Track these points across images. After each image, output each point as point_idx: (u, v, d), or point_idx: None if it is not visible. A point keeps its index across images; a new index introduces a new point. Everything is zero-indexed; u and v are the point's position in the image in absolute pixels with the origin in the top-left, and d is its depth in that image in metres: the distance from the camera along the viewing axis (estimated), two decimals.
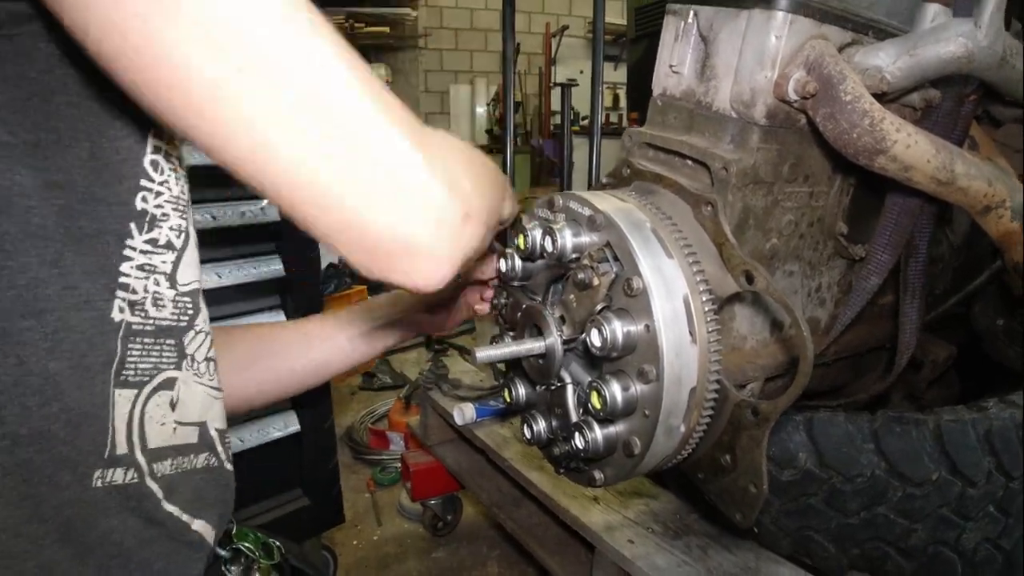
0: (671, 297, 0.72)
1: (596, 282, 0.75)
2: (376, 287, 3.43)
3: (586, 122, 5.34)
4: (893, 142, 0.70)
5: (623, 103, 6.85)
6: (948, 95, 0.82)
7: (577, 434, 0.79)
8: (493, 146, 6.40)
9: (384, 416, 2.49)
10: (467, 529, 1.80)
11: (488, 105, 6.74)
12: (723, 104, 0.80)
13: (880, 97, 0.74)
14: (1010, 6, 0.76)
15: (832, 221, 0.91)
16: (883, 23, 0.82)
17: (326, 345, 0.86)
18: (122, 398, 0.53)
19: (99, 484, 0.50)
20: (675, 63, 0.86)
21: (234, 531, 0.74)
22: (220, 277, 1.16)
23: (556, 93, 6.39)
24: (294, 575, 0.79)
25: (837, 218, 0.91)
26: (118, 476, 0.51)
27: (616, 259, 0.75)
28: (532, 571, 1.62)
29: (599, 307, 0.76)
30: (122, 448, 0.52)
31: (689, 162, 0.84)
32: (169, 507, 0.56)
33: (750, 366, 0.89)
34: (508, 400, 0.94)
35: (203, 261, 1.11)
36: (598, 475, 0.83)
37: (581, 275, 0.76)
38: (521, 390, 0.92)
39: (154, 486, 0.55)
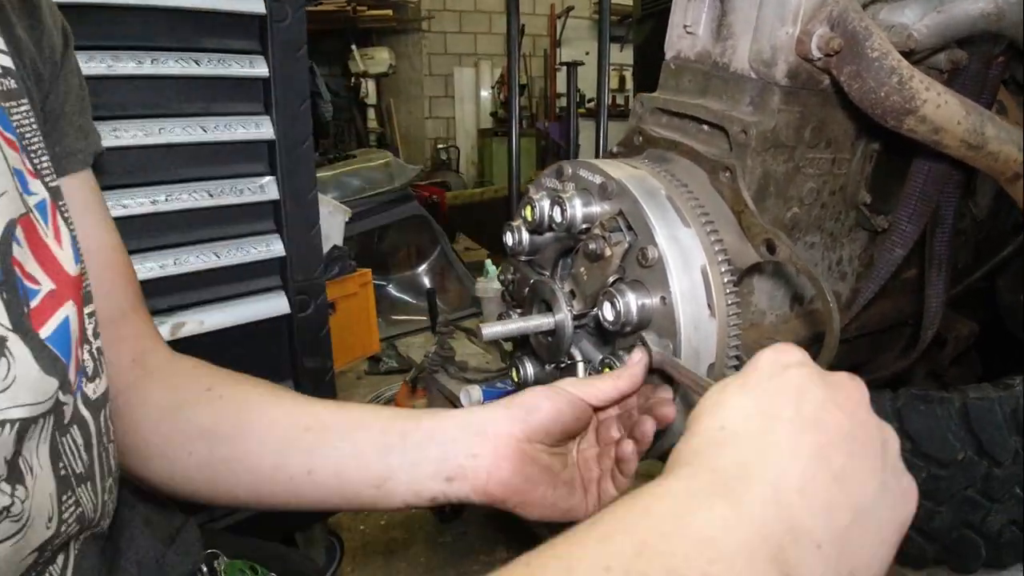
0: (688, 268, 0.69)
1: (608, 252, 0.72)
2: (381, 266, 3.41)
3: (592, 104, 5.27)
4: (923, 101, 0.66)
5: (630, 85, 6.76)
6: (976, 56, 0.78)
7: None
8: (498, 129, 6.34)
9: (391, 400, 2.47)
10: (475, 515, 1.79)
11: (493, 88, 6.67)
12: (741, 64, 0.76)
13: (907, 56, 0.70)
14: None
15: (855, 190, 0.87)
16: None
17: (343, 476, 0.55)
18: None
19: None
20: (689, 23, 0.82)
21: (222, 568, 0.65)
22: (211, 196, 1.13)
23: (562, 75, 6.30)
24: None
25: (860, 187, 0.87)
26: None
27: (630, 228, 0.72)
28: None
29: (612, 279, 0.73)
30: None
31: (705, 127, 0.80)
32: None
33: (769, 342, 0.85)
34: (516, 380, 0.91)
35: (195, 179, 1.06)
36: None
37: (592, 245, 0.73)
38: (530, 369, 0.89)
39: None
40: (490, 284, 2.22)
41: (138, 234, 1.07)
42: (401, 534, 1.74)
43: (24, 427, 0.39)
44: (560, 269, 0.85)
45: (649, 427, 0.56)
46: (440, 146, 6.53)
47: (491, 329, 0.80)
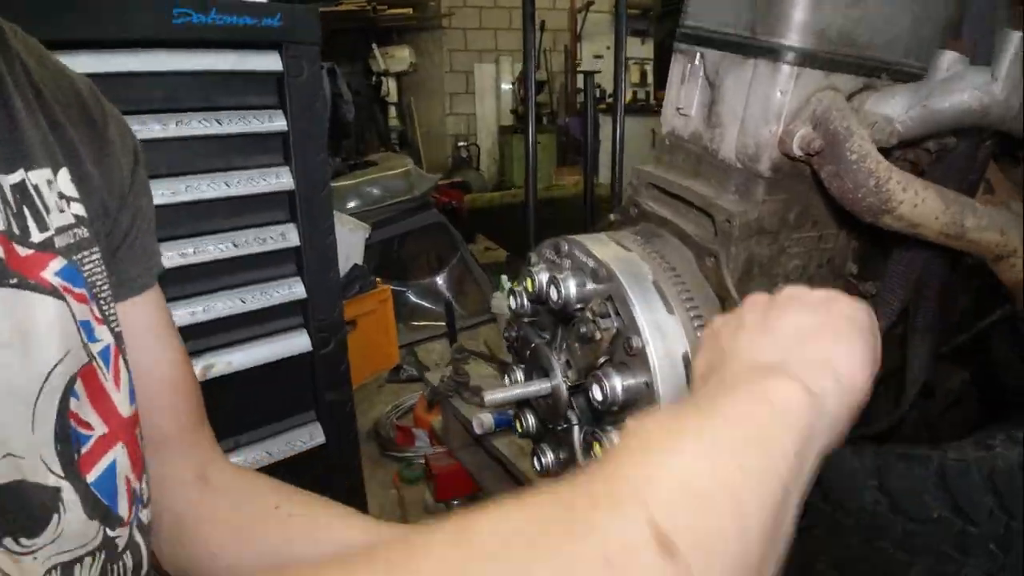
0: (670, 355, 0.73)
1: (598, 336, 0.77)
2: (400, 273, 3.49)
3: (612, 100, 5.27)
4: (899, 202, 0.69)
5: (651, 79, 6.70)
6: (964, 140, 0.80)
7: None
8: (518, 126, 6.35)
9: (410, 410, 2.56)
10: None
11: (513, 84, 6.67)
12: (728, 153, 0.79)
13: (888, 152, 0.73)
14: None
15: (841, 262, 0.90)
16: (900, 63, 0.80)
17: None
18: None
19: None
20: (682, 105, 0.86)
21: None
22: (236, 247, 1.20)
23: (582, 70, 6.28)
24: None
25: (847, 259, 0.90)
26: None
27: (618, 313, 0.77)
28: None
29: (601, 360, 0.78)
30: None
31: (695, 208, 0.84)
32: None
33: None
34: (519, 430, 0.97)
35: (220, 231, 1.12)
36: None
37: (583, 329, 0.78)
38: (531, 420, 0.95)
39: None
40: (504, 300, 2.28)
41: (168, 285, 1.14)
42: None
43: (68, 569, 0.45)
44: (559, 334, 0.90)
45: None
46: (461, 143, 6.57)
47: (493, 396, 0.86)
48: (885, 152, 0.73)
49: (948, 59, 0.73)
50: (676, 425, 0.34)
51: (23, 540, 0.45)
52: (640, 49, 6.40)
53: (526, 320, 0.93)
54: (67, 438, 0.47)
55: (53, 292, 0.49)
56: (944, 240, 0.76)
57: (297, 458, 1.28)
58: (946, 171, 0.82)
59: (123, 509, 0.50)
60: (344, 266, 2.32)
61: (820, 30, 0.71)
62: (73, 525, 0.46)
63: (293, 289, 1.30)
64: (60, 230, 0.51)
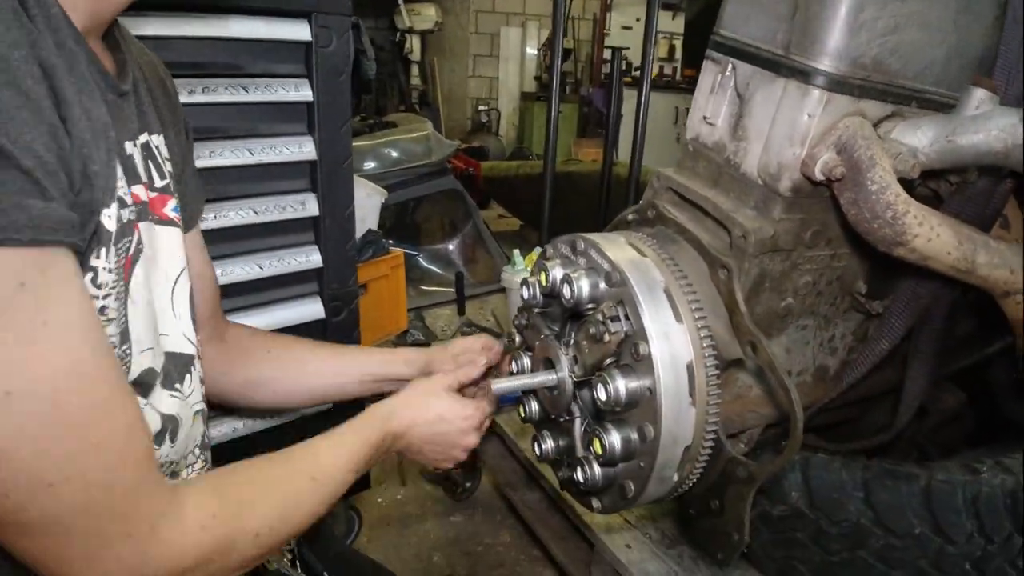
0: (675, 363, 0.76)
1: (607, 339, 0.79)
2: (413, 236, 3.51)
3: (638, 74, 5.16)
4: (914, 236, 0.70)
5: (679, 55, 6.54)
6: (985, 175, 0.80)
7: (579, 468, 0.86)
8: (541, 93, 6.25)
9: None
10: (484, 498, 1.93)
11: (539, 50, 6.53)
12: (751, 169, 0.80)
13: (909, 181, 0.73)
14: None
15: (852, 280, 0.92)
16: (930, 92, 0.80)
17: (339, 380, 0.96)
18: None
19: None
20: (709, 115, 0.86)
21: None
22: (256, 213, 1.24)
23: (609, 41, 6.13)
24: (304, 566, 0.90)
25: (857, 277, 0.92)
26: None
27: (627, 318, 0.79)
28: (539, 547, 1.74)
29: (608, 361, 0.81)
30: None
31: (712, 219, 0.85)
32: None
33: (752, 414, 0.92)
34: (522, 415, 1.01)
35: (241, 197, 1.18)
36: (596, 504, 0.90)
37: (593, 329, 0.80)
38: (534, 407, 0.98)
39: None
40: (515, 275, 2.30)
41: None
42: (415, 510, 1.90)
43: (201, 413, 0.74)
44: (568, 328, 0.92)
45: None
46: (481, 107, 6.48)
47: (500, 385, 0.89)
48: (905, 182, 0.74)
49: (977, 96, 0.73)
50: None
51: (179, 388, 0.68)
52: (671, 23, 6.23)
53: (537, 310, 0.95)
54: (195, 320, 0.71)
55: (171, 223, 0.69)
56: (954, 274, 0.77)
57: (307, 420, 1.32)
58: (964, 204, 0.83)
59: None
60: (359, 230, 2.33)
61: (854, 56, 0.71)
62: (196, 379, 0.71)
63: (310, 257, 1.32)
64: (169, 179, 0.70)
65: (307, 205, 1.28)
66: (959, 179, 0.83)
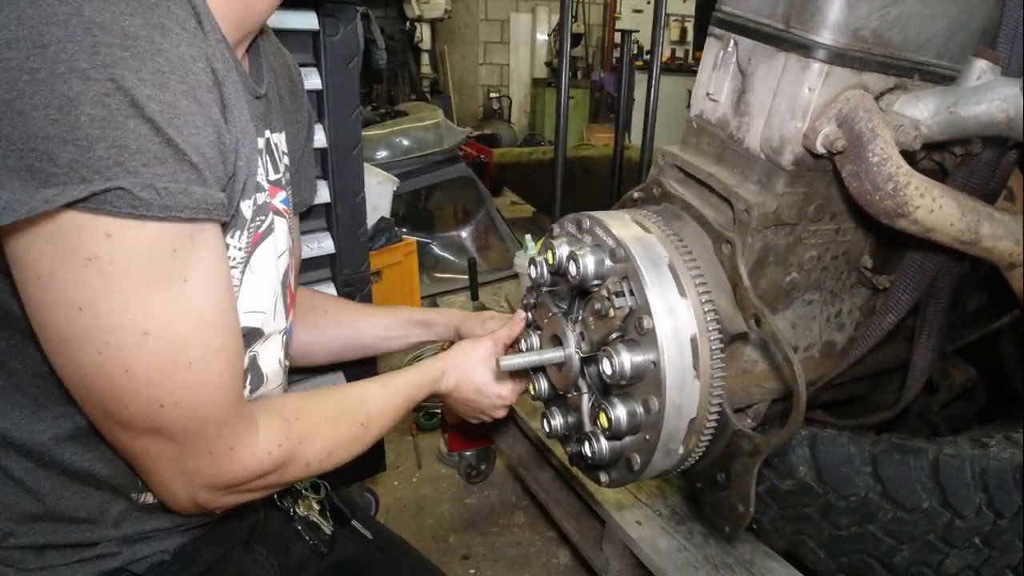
0: (679, 337, 0.77)
1: (612, 314, 0.81)
2: (426, 224, 3.54)
3: (649, 58, 5.11)
4: (916, 207, 0.70)
5: (690, 37, 6.46)
6: (989, 147, 0.80)
7: (587, 442, 0.88)
8: (552, 79, 6.21)
9: None
10: (498, 479, 1.96)
11: (549, 35, 6.49)
12: (753, 143, 0.81)
13: (911, 153, 0.74)
14: None
15: (857, 254, 0.92)
16: (932, 64, 0.79)
17: (387, 333, 1.10)
18: None
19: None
20: (712, 91, 0.86)
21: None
22: None
23: (620, 24, 6.07)
24: (337, 511, 0.97)
25: (863, 252, 0.92)
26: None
27: (632, 293, 0.80)
28: (553, 527, 1.77)
29: (613, 336, 0.82)
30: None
31: (716, 194, 0.86)
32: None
33: (758, 389, 0.93)
34: (532, 393, 1.03)
35: None
36: (603, 478, 0.92)
37: (598, 305, 0.82)
38: (543, 385, 1.00)
39: None
40: (526, 260, 2.31)
41: None
42: (431, 492, 1.94)
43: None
44: (575, 306, 0.94)
45: None
46: (492, 95, 6.47)
47: (508, 361, 0.91)
48: (908, 154, 0.74)
49: (979, 67, 0.73)
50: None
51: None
52: (683, 6, 6.15)
53: (545, 289, 0.97)
54: (285, 296, 0.80)
55: (280, 213, 0.77)
56: (958, 245, 0.77)
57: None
58: (969, 175, 0.83)
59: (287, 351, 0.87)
60: (372, 218, 2.37)
61: (854, 29, 0.71)
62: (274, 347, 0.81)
63: (323, 244, 1.34)
64: (283, 173, 0.78)
65: (319, 191, 1.31)
66: (963, 151, 0.83)
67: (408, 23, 5.88)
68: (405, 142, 3.23)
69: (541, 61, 6.57)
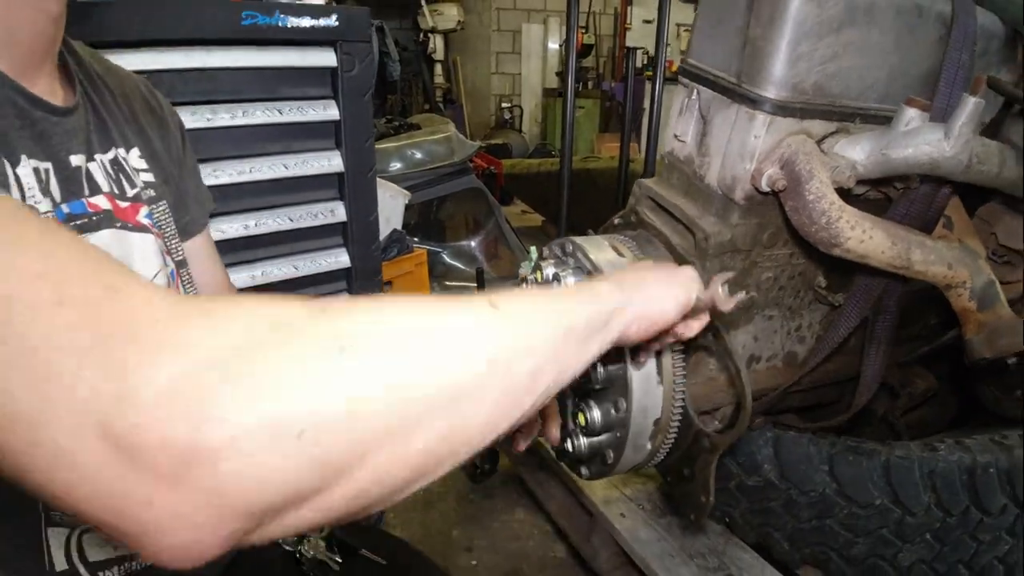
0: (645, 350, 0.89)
1: None
2: (437, 234, 3.67)
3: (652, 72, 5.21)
4: (847, 238, 0.81)
5: None
6: (926, 182, 0.90)
7: (569, 439, 0.99)
8: (563, 90, 6.32)
9: None
10: (501, 478, 2.08)
11: (561, 45, 6.61)
12: (712, 180, 0.92)
13: (846, 192, 0.84)
14: None
15: (812, 275, 1.03)
16: (873, 108, 0.90)
17: None
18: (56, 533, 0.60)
19: None
20: (679, 133, 0.98)
21: None
22: (291, 221, 1.39)
23: (631, 35, 6.17)
24: (343, 544, 0.95)
25: (817, 273, 1.03)
26: None
27: None
28: (551, 523, 1.89)
29: None
30: (61, 565, 0.61)
31: (681, 223, 0.97)
32: None
33: (721, 394, 1.04)
34: None
35: (278, 206, 1.31)
36: (584, 471, 1.04)
37: None
38: None
39: None
40: (528, 270, 2.43)
41: (233, 252, 1.34)
42: (438, 488, 2.06)
43: None
44: None
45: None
46: (504, 105, 6.61)
47: None
48: (844, 192, 0.85)
49: (909, 114, 0.83)
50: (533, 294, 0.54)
51: None
52: (691, 15, 6.24)
53: None
54: None
55: (144, 229, 0.71)
56: (893, 269, 0.88)
57: None
58: (909, 206, 0.93)
59: None
60: (384, 230, 2.50)
61: (795, 84, 0.82)
62: None
63: (339, 258, 1.48)
64: (141, 189, 0.73)
65: (336, 212, 1.44)
66: (903, 185, 0.93)
67: (422, 34, 6.04)
68: (418, 155, 3.37)
69: (552, 71, 6.69)
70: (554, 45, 6.69)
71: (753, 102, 0.83)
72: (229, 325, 0.32)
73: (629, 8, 6.33)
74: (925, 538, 1.07)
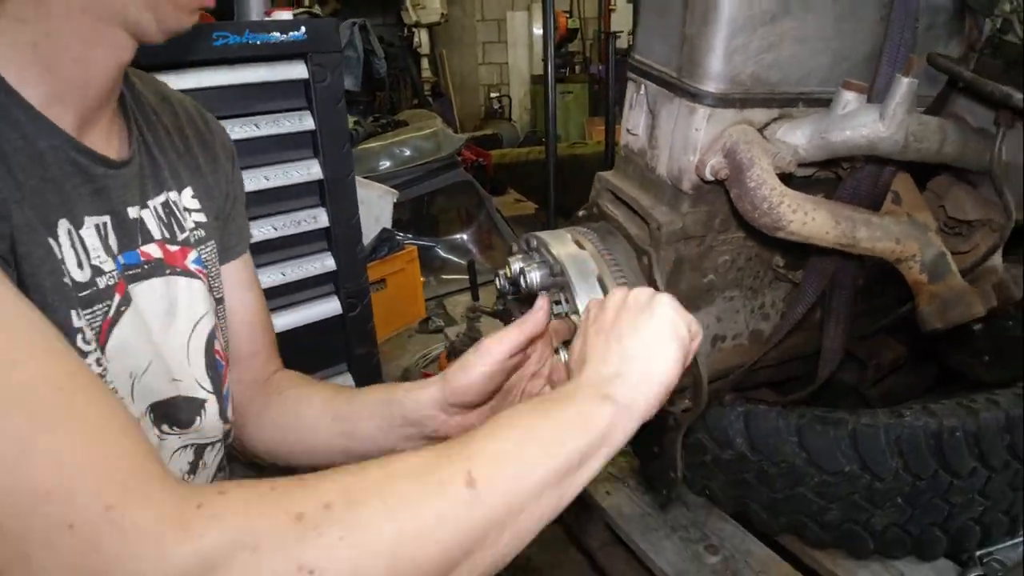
0: None
1: (553, 318, 0.97)
2: (430, 228, 3.72)
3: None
4: (789, 222, 0.85)
5: None
6: (870, 162, 0.94)
7: None
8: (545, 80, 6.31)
9: (436, 359, 2.83)
10: None
11: None
12: (662, 171, 0.96)
13: (788, 177, 0.88)
14: None
15: (770, 255, 1.07)
16: (817, 92, 0.93)
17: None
18: None
19: None
20: (631, 127, 1.01)
21: None
22: (276, 229, 1.44)
23: (616, 17, 6.15)
24: None
25: (774, 253, 1.06)
26: None
27: (568, 301, 0.96)
28: None
29: None
30: None
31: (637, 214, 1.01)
32: None
33: (687, 376, 1.09)
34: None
35: (262, 216, 1.36)
36: None
37: None
38: None
39: None
40: None
41: None
42: None
43: (200, 450, 0.73)
44: None
45: (538, 384, 0.79)
46: (493, 94, 6.61)
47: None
48: (787, 177, 0.89)
49: (845, 97, 0.87)
50: (516, 419, 0.52)
51: (167, 427, 0.68)
52: None
53: (510, 297, 1.14)
54: (214, 365, 0.72)
55: (192, 274, 0.72)
56: (840, 247, 0.92)
57: None
58: (856, 184, 0.97)
59: (231, 412, 0.77)
60: (374, 229, 2.55)
61: (732, 76, 0.86)
62: (209, 422, 0.72)
63: (325, 262, 1.53)
64: (191, 231, 0.73)
65: (318, 218, 1.49)
66: (850, 165, 0.97)
67: (406, 29, 6.04)
68: (406, 152, 3.41)
69: (539, 58, 6.67)
70: (540, 31, 6.66)
71: (693, 96, 0.87)
72: (209, 551, 0.39)
73: None
74: (896, 502, 1.11)
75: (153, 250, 0.68)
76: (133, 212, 0.66)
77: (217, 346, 0.74)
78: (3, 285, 0.43)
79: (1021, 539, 1.19)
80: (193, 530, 0.39)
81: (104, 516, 0.38)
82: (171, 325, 0.69)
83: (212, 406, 0.73)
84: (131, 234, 0.66)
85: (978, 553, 1.17)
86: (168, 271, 0.70)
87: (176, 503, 0.40)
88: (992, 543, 1.17)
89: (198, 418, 0.71)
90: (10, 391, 0.40)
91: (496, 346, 0.70)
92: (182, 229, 0.73)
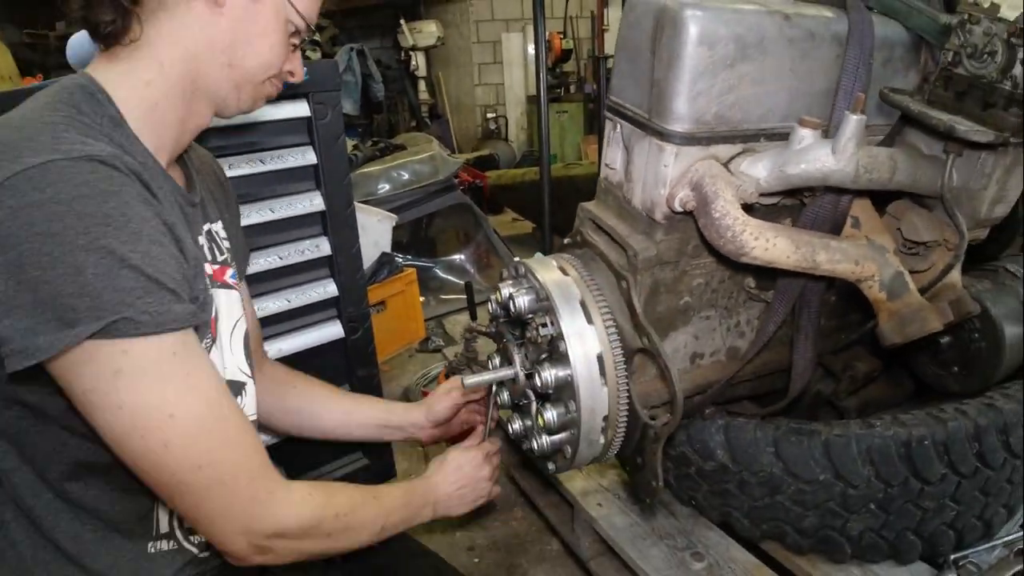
0: (587, 355, 1.01)
1: (539, 340, 1.05)
2: (429, 249, 3.80)
3: None
4: (752, 248, 0.93)
5: None
6: (829, 190, 1.02)
7: (534, 439, 1.12)
8: (548, 95, 6.44)
9: (436, 378, 2.89)
10: (499, 481, 2.20)
11: None
12: (637, 203, 1.04)
13: (750, 208, 0.96)
14: None
15: (741, 277, 1.14)
16: (777, 128, 1.02)
17: (348, 420, 1.19)
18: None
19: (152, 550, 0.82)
20: (609, 162, 1.10)
21: None
22: (281, 259, 1.53)
23: (608, 37, 6.29)
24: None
25: (746, 275, 1.14)
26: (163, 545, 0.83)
27: (553, 324, 1.04)
28: (543, 519, 2.01)
29: (542, 356, 1.07)
30: (164, 528, 0.83)
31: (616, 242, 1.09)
32: (203, 554, 0.87)
33: (666, 390, 1.16)
34: (498, 403, 1.27)
35: (268, 246, 1.46)
36: (551, 466, 1.16)
37: (530, 333, 1.06)
38: (506, 396, 1.24)
39: (191, 547, 0.86)
40: None
41: None
42: None
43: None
44: (525, 332, 1.18)
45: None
46: (490, 115, 6.73)
47: (470, 380, 1.15)
48: (749, 207, 0.97)
49: (801, 134, 0.95)
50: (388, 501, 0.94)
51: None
52: None
53: (501, 320, 1.21)
54: (249, 356, 0.94)
55: (230, 287, 0.91)
56: (802, 270, 0.99)
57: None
58: (817, 211, 1.05)
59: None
60: (374, 253, 2.63)
61: (697, 117, 0.94)
62: (249, 401, 0.94)
63: (327, 289, 1.60)
64: (227, 255, 0.93)
65: (321, 247, 1.57)
66: (810, 193, 1.05)
67: (403, 52, 6.19)
68: (404, 175, 3.50)
69: (535, 78, 6.82)
70: (534, 51, 6.81)
71: (662, 135, 0.95)
72: (303, 510, 0.79)
73: (606, 10, 6.45)
74: (870, 508, 1.17)
75: (207, 269, 0.86)
76: (201, 239, 0.86)
77: (252, 343, 0.98)
78: (196, 341, 0.73)
79: (996, 542, 1.25)
80: (289, 507, 0.78)
81: (252, 476, 0.74)
82: (219, 323, 0.88)
83: (251, 388, 0.94)
84: (201, 256, 0.84)
85: (953, 556, 1.22)
86: (216, 284, 0.88)
87: (277, 484, 0.77)
88: (967, 547, 1.23)
89: (239, 397, 0.92)
90: (210, 405, 0.71)
91: (443, 401, 1.22)
92: (221, 252, 0.92)
